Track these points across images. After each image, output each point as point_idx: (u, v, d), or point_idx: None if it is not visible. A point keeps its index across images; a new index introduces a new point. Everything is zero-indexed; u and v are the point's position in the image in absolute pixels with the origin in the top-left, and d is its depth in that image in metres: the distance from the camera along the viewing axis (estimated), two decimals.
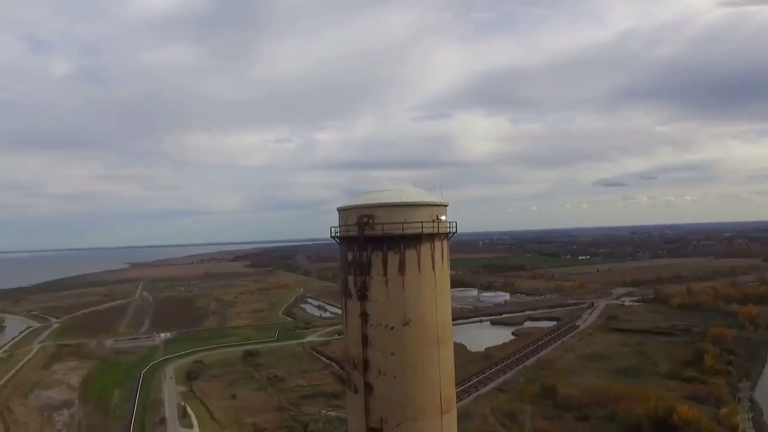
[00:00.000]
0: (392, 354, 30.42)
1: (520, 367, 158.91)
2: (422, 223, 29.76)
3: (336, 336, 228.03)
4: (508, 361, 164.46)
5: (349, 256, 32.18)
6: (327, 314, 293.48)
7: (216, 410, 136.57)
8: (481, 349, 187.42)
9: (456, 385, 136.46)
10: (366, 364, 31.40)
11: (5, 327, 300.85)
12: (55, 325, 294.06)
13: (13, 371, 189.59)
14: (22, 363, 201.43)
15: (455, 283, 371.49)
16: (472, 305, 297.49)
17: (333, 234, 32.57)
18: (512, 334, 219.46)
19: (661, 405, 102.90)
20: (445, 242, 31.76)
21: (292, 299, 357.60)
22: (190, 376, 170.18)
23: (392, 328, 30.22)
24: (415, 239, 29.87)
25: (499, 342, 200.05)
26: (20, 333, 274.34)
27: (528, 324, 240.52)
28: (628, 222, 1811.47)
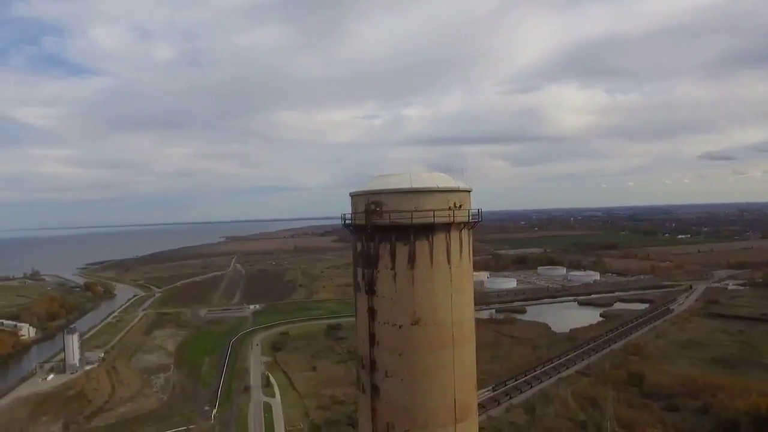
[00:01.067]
0: (400, 355, 27.97)
1: (607, 350, 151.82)
2: (434, 211, 26.97)
3: None
4: (593, 344, 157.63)
5: (358, 246, 29.90)
6: None
7: (297, 381, 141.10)
8: (566, 329, 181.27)
9: (538, 366, 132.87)
10: (373, 365, 29.15)
11: (115, 294, 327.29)
12: (157, 295, 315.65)
13: (120, 335, 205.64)
14: (128, 328, 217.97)
15: (543, 261, 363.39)
16: (559, 284, 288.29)
17: (344, 221, 30.29)
18: (600, 315, 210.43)
19: (765, 401, 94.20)
20: (465, 232, 28.62)
21: None
22: (275, 347, 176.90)
23: (400, 326, 27.67)
24: (427, 229, 27.11)
25: (586, 323, 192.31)
26: (128, 300, 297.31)
27: (618, 306, 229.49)
28: (738, 198, 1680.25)
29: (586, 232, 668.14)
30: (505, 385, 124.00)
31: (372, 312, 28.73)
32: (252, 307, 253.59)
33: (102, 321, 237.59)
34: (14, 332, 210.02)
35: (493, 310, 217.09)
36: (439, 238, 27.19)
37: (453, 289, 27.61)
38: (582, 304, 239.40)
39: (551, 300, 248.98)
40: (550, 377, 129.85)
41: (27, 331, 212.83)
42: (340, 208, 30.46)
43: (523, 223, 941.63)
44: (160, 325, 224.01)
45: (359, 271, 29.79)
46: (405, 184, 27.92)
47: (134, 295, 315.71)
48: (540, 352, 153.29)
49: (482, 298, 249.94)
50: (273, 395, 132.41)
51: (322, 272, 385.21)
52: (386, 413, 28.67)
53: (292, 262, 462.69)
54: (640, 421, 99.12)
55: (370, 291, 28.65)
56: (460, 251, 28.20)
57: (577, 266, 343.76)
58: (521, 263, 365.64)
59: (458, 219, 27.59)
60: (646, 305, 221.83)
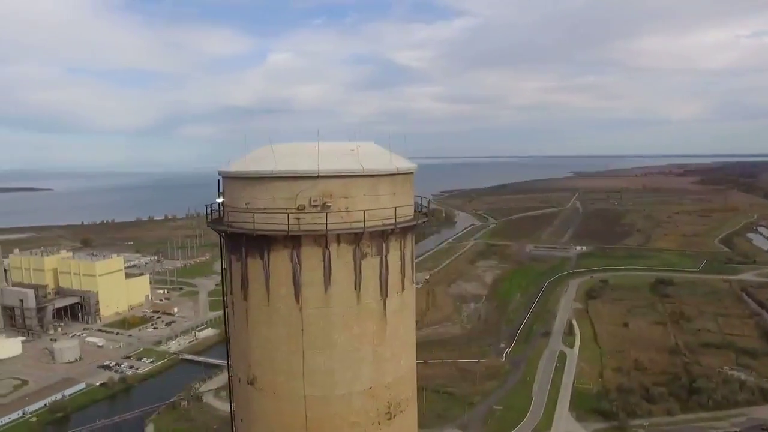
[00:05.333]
0: (242, 420, 19.73)
1: None
2: (255, 212, 16.96)
3: None
4: None
5: None
6: None
7: (602, 335, 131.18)
8: None
9: None
10: (233, 413, 21.15)
11: (456, 222, 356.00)
12: (492, 226, 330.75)
13: (447, 261, 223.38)
14: (455, 256, 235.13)
15: None
16: None
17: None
18: None
19: None
20: (348, 249, 17.01)
21: (738, 226, 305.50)
22: (590, 294, 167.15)
23: (239, 380, 19.31)
24: (260, 241, 17.23)
25: None
26: (464, 229, 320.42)
27: None
28: None
29: None
30: None
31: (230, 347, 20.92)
32: (578, 248, 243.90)
33: (437, 246, 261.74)
34: None
35: None
36: (279, 257, 17.24)
37: (308, 344, 17.50)
38: None
39: None
40: None
41: None
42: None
43: None
44: (486, 255, 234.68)
45: None
46: (242, 166, 18.31)
47: (471, 224, 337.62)
48: None
49: None
50: (572, 345, 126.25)
51: (669, 217, 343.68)
52: None
53: (637, 204, 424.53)
54: None
55: (227, 318, 20.68)
56: (327, 282, 17.02)
57: None
58: None
59: (311, 226, 16.73)
60: None
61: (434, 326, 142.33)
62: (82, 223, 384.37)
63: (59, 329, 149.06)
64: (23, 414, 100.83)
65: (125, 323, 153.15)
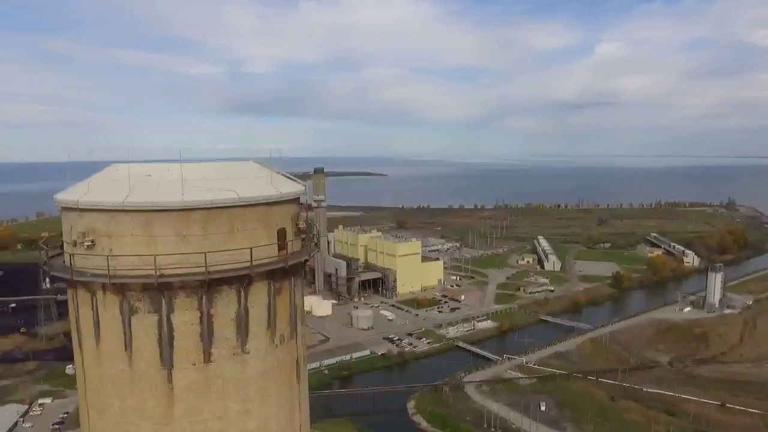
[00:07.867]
0: None
1: None
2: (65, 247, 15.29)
3: None
4: None
5: None
6: None
7: None
8: None
9: None
10: None
11: None
12: None
13: None
14: None
15: None
16: None
17: None
18: None
19: None
20: (113, 301, 14.10)
21: None
22: None
23: None
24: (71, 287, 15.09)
25: None
26: None
27: None
28: None
29: None
30: None
31: None
32: None
33: None
34: (680, 258, 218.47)
35: None
36: (71, 299, 15.39)
37: (90, 403, 15.17)
38: None
39: None
40: None
41: (691, 259, 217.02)
42: None
43: None
44: None
45: None
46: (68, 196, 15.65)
47: None
48: None
49: None
50: None
51: None
52: None
53: None
54: None
55: None
56: (96, 336, 14.53)
57: None
58: None
59: (77, 269, 14.17)
60: None
61: (747, 363, 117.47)
62: (402, 206, 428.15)
63: (362, 299, 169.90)
64: (320, 366, 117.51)
65: (415, 303, 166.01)
